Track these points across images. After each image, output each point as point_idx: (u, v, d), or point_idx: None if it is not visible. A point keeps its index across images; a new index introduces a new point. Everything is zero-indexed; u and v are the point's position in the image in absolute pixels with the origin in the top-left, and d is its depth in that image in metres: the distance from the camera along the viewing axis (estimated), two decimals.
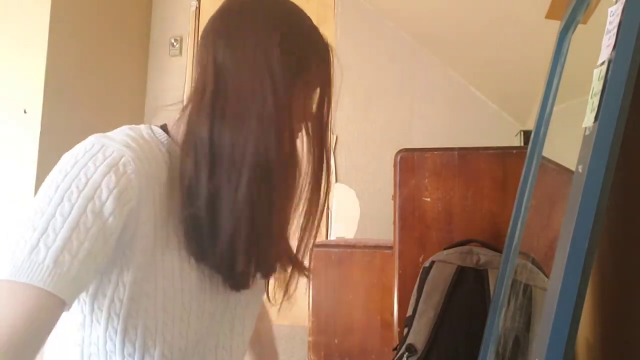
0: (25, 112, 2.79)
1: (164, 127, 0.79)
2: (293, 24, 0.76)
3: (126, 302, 0.65)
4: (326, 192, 0.78)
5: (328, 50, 0.80)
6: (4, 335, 0.52)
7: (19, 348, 0.52)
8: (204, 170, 0.68)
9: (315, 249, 2.04)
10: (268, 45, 0.71)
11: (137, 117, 3.60)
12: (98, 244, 0.60)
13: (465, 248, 1.50)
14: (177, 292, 0.69)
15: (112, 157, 0.65)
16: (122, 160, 0.65)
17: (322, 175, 0.77)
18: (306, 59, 0.76)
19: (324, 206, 0.78)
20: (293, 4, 0.80)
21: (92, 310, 0.67)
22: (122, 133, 0.71)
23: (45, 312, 0.55)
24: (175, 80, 3.58)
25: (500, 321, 1.21)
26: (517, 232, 1.23)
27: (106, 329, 0.66)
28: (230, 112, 0.69)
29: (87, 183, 0.63)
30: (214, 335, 0.76)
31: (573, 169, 0.73)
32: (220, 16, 0.79)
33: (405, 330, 1.48)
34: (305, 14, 0.79)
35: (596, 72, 0.72)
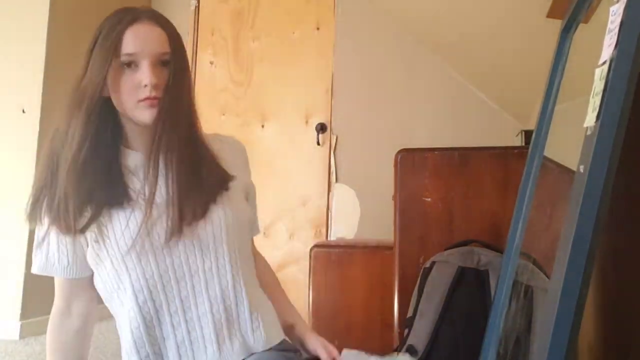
0: (23, 111, 2.78)
1: None
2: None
3: (95, 246, 1.01)
4: None
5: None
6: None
7: None
8: None
9: (315, 249, 2.03)
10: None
11: None
12: None
13: (466, 248, 1.50)
14: (125, 238, 0.97)
15: None
16: None
17: None
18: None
19: None
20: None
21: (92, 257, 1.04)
22: None
23: None
24: None
25: (501, 322, 1.20)
26: (518, 233, 1.22)
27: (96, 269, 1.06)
28: None
29: None
30: (181, 265, 0.98)
31: (574, 169, 0.72)
32: None
33: (406, 331, 1.48)
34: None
35: (598, 71, 0.72)
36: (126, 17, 0.97)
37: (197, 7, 3.58)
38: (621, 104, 0.65)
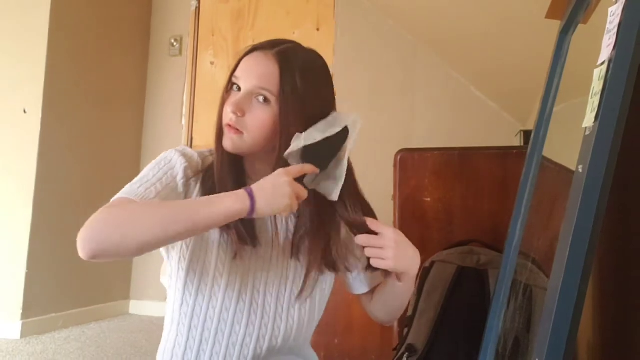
0: (25, 112, 2.79)
1: None
2: None
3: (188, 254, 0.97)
4: None
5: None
6: (122, 213, 0.85)
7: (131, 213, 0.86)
8: None
9: None
10: None
11: (137, 117, 3.60)
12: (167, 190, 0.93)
13: (466, 248, 1.50)
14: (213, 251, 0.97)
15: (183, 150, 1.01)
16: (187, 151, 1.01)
17: None
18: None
19: None
20: None
21: (172, 266, 1.00)
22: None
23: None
24: (175, 80, 3.57)
25: (500, 321, 1.21)
26: (518, 232, 1.23)
27: (177, 270, 0.98)
28: None
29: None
30: (242, 310, 0.96)
31: (573, 168, 0.72)
32: None
33: (406, 330, 1.48)
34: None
35: (596, 72, 0.72)
36: (258, 45, 0.97)
37: (198, 8, 3.58)
38: (620, 104, 0.65)
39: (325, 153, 0.90)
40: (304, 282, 0.98)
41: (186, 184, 0.96)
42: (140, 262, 3.43)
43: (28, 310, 2.68)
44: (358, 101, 3.23)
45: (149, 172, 0.95)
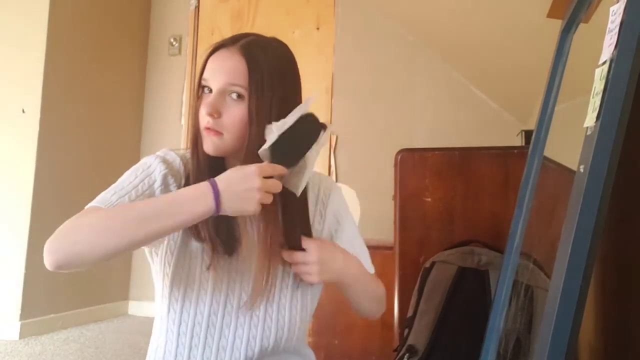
0: (23, 111, 2.79)
1: None
2: None
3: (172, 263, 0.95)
4: None
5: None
6: (85, 223, 0.83)
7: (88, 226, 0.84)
8: None
9: None
10: None
11: (136, 116, 3.60)
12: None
13: (466, 248, 1.50)
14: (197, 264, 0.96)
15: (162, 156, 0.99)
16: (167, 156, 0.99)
17: None
18: None
19: None
20: None
21: (157, 271, 0.98)
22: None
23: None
24: (175, 79, 3.57)
25: (501, 322, 1.20)
26: (519, 233, 1.22)
27: (162, 277, 0.96)
28: None
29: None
30: (230, 313, 0.96)
31: (574, 168, 0.72)
32: None
33: (406, 331, 1.47)
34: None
35: (598, 71, 0.72)
36: (222, 43, 0.95)
37: (197, 7, 3.58)
38: (621, 104, 0.65)
39: (296, 150, 0.88)
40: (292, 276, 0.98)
41: (166, 190, 0.93)
42: (139, 263, 3.42)
43: (27, 311, 2.67)
44: (358, 101, 3.23)
45: (125, 179, 0.93)
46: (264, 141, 0.87)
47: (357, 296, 1.04)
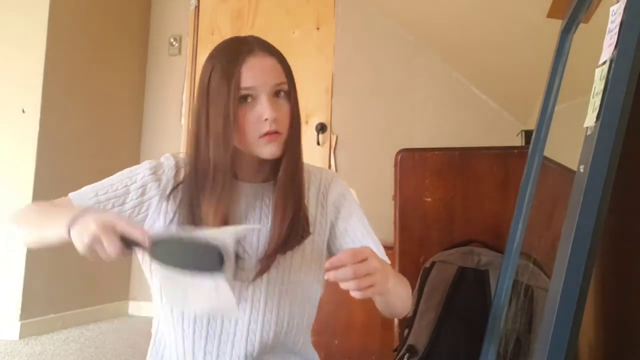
0: (23, 111, 2.78)
1: None
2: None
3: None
4: None
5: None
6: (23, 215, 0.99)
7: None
8: None
9: None
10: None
11: (136, 116, 3.60)
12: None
13: (466, 248, 1.50)
14: None
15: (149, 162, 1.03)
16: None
17: None
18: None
19: None
20: None
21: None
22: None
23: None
24: (175, 79, 3.57)
25: (501, 322, 1.20)
26: (519, 233, 1.22)
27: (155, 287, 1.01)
28: None
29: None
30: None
31: (574, 168, 0.72)
32: None
33: (406, 331, 1.48)
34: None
35: (598, 71, 0.72)
36: (242, 49, 0.93)
37: (197, 7, 3.58)
38: (621, 104, 0.65)
39: (179, 260, 0.78)
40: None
41: (142, 195, 0.98)
42: (139, 263, 3.41)
43: (27, 311, 2.67)
44: (358, 101, 3.23)
45: (112, 177, 1.00)
46: (299, 135, 0.96)
47: (395, 299, 0.98)
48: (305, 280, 1.00)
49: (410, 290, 1.04)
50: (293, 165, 0.96)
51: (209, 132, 0.92)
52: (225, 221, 0.92)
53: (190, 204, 0.94)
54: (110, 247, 0.78)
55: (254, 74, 0.91)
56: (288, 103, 0.95)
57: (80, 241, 0.79)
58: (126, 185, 0.98)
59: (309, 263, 1.01)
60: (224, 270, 0.77)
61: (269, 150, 0.93)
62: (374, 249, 0.95)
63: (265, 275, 0.96)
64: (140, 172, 1.00)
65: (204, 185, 0.93)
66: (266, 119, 0.91)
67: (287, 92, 0.95)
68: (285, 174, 0.96)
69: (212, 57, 0.96)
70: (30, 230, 0.96)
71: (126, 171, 1.01)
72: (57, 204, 0.98)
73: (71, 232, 0.80)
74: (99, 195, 0.97)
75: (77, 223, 0.80)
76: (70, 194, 0.99)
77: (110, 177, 1.00)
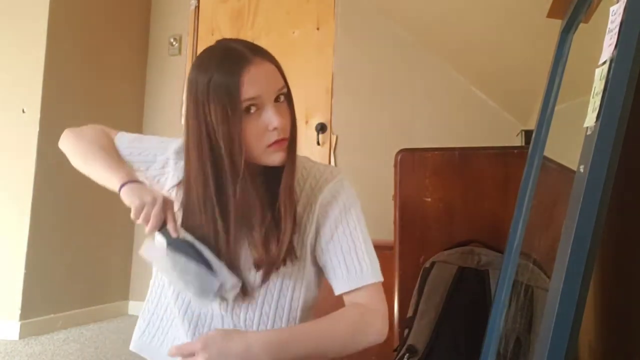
0: (23, 111, 2.79)
1: None
2: None
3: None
4: None
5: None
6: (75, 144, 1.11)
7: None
8: None
9: None
10: None
11: (136, 116, 3.60)
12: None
13: (466, 248, 1.50)
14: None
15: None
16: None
17: None
18: None
19: None
20: None
21: None
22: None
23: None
24: (175, 79, 3.57)
25: (501, 322, 1.20)
26: (519, 233, 1.22)
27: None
28: None
29: None
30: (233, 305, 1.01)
31: (574, 168, 0.72)
32: None
33: (406, 331, 1.47)
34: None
35: (598, 71, 0.72)
36: (238, 59, 0.89)
37: (197, 7, 3.58)
38: (621, 104, 0.65)
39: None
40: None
41: (160, 169, 1.08)
42: (139, 263, 3.42)
43: (27, 311, 2.67)
44: (358, 101, 3.23)
45: (149, 137, 1.14)
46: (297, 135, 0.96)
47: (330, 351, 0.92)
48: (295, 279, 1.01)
49: (366, 325, 0.96)
50: (293, 167, 0.95)
51: (213, 151, 0.90)
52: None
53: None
54: (155, 220, 0.90)
55: (257, 83, 0.88)
56: (288, 106, 0.94)
57: (131, 201, 0.91)
58: (155, 155, 1.07)
59: (292, 274, 1.01)
60: (214, 298, 0.94)
61: (277, 158, 0.92)
62: (356, 266, 0.96)
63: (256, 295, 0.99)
64: (169, 148, 1.07)
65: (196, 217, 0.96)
66: (275, 128, 0.89)
67: (286, 95, 0.93)
68: (289, 178, 0.95)
69: (204, 68, 0.90)
70: (80, 164, 1.06)
71: (159, 140, 1.11)
72: (108, 135, 1.11)
73: (121, 191, 0.93)
74: (133, 154, 1.08)
75: (128, 187, 0.93)
76: (119, 134, 1.12)
77: (149, 138, 1.11)
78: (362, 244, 0.99)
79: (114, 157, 1.05)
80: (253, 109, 0.89)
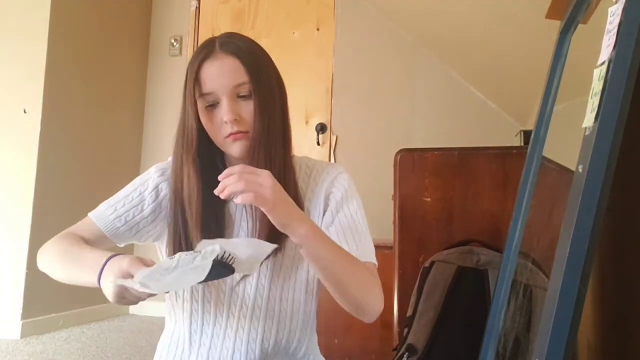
0: (25, 111, 2.79)
1: None
2: None
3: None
4: None
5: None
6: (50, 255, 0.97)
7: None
8: None
9: None
10: None
11: (136, 116, 3.60)
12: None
13: (465, 248, 1.50)
14: None
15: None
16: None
17: None
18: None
19: None
20: None
21: None
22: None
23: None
24: (175, 79, 3.57)
25: (500, 321, 1.21)
26: (517, 232, 1.23)
27: None
28: None
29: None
30: (237, 300, 0.99)
31: (573, 168, 0.72)
32: None
33: (405, 330, 1.48)
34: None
35: (596, 72, 0.72)
36: (200, 54, 0.94)
37: (198, 8, 3.59)
38: (619, 104, 0.65)
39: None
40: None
41: (156, 197, 1.02)
42: None
43: (28, 310, 2.67)
44: (358, 101, 3.24)
45: (124, 189, 1.03)
46: (273, 130, 0.94)
47: (337, 277, 0.91)
48: (298, 278, 1.02)
49: (374, 284, 0.96)
50: (261, 164, 0.92)
51: (184, 139, 0.97)
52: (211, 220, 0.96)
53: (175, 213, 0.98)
54: (133, 298, 0.80)
55: (212, 78, 0.92)
56: (255, 102, 0.93)
57: (108, 295, 0.81)
58: (140, 193, 1.02)
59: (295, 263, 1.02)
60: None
61: (235, 149, 0.94)
62: (361, 247, 0.98)
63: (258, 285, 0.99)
64: (150, 177, 1.03)
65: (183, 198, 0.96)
66: (226, 122, 0.92)
67: (254, 90, 0.92)
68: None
69: (190, 61, 0.97)
70: (59, 271, 0.96)
71: (137, 180, 1.05)
72: (80, 230, 0.99)
73: (101, 283, 0.83)
74: (117, 209, 1.00)
75: (102, 275, 0.83)
76: (90, 214, 1.01)
77: (124, 188, 1.04)
78: (362, 227, 1.01)
79: (84, 250, 0.94)
80: (211, 101, 0.93)
